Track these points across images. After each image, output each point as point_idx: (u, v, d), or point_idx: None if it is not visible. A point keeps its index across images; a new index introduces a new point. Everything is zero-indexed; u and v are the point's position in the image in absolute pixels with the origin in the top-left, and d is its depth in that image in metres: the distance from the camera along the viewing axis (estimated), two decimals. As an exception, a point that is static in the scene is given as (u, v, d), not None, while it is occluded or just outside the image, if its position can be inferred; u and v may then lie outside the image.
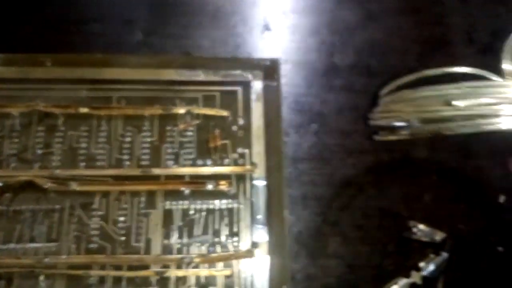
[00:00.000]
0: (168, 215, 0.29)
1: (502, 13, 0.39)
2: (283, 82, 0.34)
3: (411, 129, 0.26)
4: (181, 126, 0.31)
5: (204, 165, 0.30)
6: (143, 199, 0.29)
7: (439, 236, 0.30)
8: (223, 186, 0.30)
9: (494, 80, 0.21)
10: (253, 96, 0.32)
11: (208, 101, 0.32)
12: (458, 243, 0.31)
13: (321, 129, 0.33)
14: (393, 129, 0.28)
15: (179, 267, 0.28)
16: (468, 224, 0.31)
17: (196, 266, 0.28)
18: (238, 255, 0.28)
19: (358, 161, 0.32)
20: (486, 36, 0.37)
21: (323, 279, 0.30)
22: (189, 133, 0.31)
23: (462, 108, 0.20)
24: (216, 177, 0.30)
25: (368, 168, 0.32)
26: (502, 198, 0.32)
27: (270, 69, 0.33)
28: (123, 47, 0.34)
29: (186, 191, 0.29)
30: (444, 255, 0.30)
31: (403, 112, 0.24)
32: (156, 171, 0.30)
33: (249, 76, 0.33)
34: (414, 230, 0.31)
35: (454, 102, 0.21)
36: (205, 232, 0.29)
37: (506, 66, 0.19)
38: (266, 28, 0.36)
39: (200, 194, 0.30)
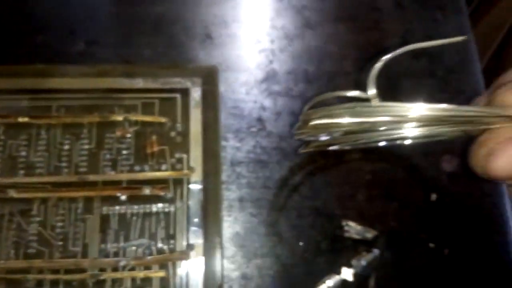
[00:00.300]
0: (105, 220, 0.30)
1: (439, 18, 0.40)
2: (223, 89, 0.35)
3: (316, 143, 0.29)
4: (118, 133, 0.31)
5: (142, 170, 0.31)
6: (80, 205, 0.30)
7: (370, 233, 0.32)
8: (160, 190, 0.30)
9: (364, 102, 0.23)
10: (192, 103, 0.33)
11: (147, 108, 0.33)
12: (390, 240, 0.32)
13: (259, 133, 0.34)
14: (308, 143, 0.30)
15: (115, 270, 0.29)
16: (400, 222, 0.33)
17: (132, 269, 0.29)
18: (173, 257, 0.29)
19: (294, 163, 0.33)
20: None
21: (258, 278, 0.30)
22: (127, 140, 0.32)
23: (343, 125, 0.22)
24: (153, 182, 0.31)
25: (304, 170, 0.33)
26: (433, 197, 0.33)
27: (208, 76, 0.34)
28: (65, 58, 0.35)
29: (123, 196, 0.30)
30: (376, 252, 0.31)
31: (306, 129, 0.26)
32: (93, 177, 0.31)
33: (188, 83, 0.34)
34: (347, 228, 0.32)
35: (310, 123, 0.23)
36: (141, 235, 0.30)
37: (370, 91, 0.22)
38: (208, 36, 0.37)
39: (137, 199, 0.31)
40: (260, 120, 0.35)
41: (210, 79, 0.34)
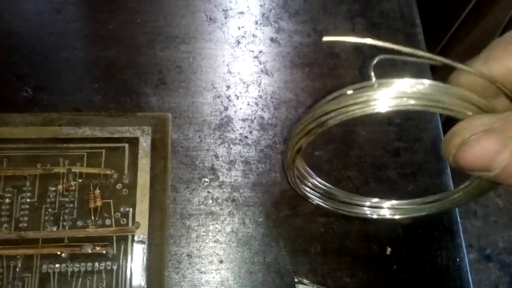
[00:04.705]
0: (45, 279, 0.29)
1: (397, 64, 0.40)
2: (175, 137, 0.34)
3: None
4: (60, 187, 0.30)
5: (85, 226, 0.30)
6: (19, 263, 0.29)
7: (322, 291, 0.31)
8: (101, 248, 0.29)
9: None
10: (141, 152, 0.32)
11: (93, 158, 0.32)
12: (342, 298, 0.31)
13: (211, 184, 0.33)
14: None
15: (52, 334, 0.27)
16: (352, 277, 0.32)
17: (71, 332, 0.28)
18: (114, 319, 0.28)
19: (246, 215, 0.33)
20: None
21: None
22: (71, 193, 0.31)
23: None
24: (96, 239, 0.30)
25: (256, 223, 0.32)
26: (388, 250, 0.33)
27: (159, 124, 0.33)
28: (11, 105, 0.33)
29: (64, 254, 0.29)
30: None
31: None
32: (33, 234, 0.29)
33: (137, 132, 0.33)
34: (299, 286, 0.31)
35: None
36: (82, 295, 0.29)
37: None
38: (161, 82, 0.36)
39: (79, 257, 0.29)
40: (212, 169, 0.34)
41: (160, 128, 0.33)
